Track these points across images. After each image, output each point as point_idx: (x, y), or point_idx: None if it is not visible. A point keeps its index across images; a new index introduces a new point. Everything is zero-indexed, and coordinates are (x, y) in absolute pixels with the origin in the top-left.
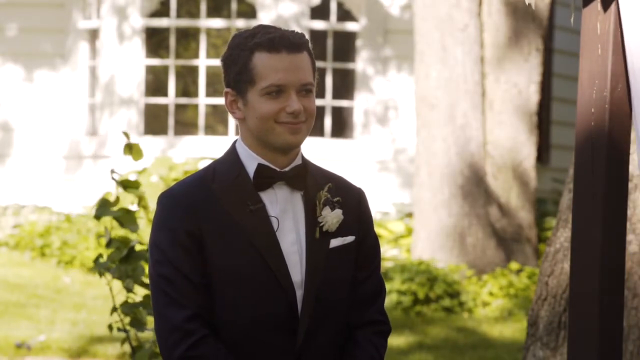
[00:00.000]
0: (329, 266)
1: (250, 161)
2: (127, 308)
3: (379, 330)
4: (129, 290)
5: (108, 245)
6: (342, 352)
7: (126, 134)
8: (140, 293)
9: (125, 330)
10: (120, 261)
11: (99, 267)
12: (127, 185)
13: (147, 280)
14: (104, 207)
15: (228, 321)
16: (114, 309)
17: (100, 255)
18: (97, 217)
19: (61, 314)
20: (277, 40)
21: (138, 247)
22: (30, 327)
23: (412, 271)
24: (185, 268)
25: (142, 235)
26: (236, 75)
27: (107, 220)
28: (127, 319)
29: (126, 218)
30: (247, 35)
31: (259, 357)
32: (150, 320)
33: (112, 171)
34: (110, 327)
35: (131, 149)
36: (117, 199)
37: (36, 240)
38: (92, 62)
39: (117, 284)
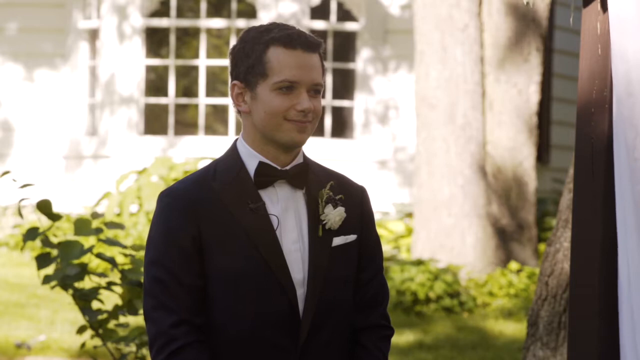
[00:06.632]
0: (331, 264)
1: (251, 159)
2: (96, 323)
3: (385, 335)
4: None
5: (41, 264)
6: (350, 357)
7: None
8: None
9: (102, 344)
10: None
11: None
12: (46, 211)
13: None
14: (32, 234)
15: (229, 320)
16: (82, 328)
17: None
18: (25, 242)
19: (61, 314)
20: (295, 37)
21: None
22: (30, 327)
23: (412, 271)
24: (178, 270)
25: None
26: (248, 68)
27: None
28: (101, 330)
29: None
30: (262, 29)
31: (262, 356)
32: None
33: (22, 199)
34: (83, 345)
35: (42, 207)
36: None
37: (36, 240)
38: (92, 62)
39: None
